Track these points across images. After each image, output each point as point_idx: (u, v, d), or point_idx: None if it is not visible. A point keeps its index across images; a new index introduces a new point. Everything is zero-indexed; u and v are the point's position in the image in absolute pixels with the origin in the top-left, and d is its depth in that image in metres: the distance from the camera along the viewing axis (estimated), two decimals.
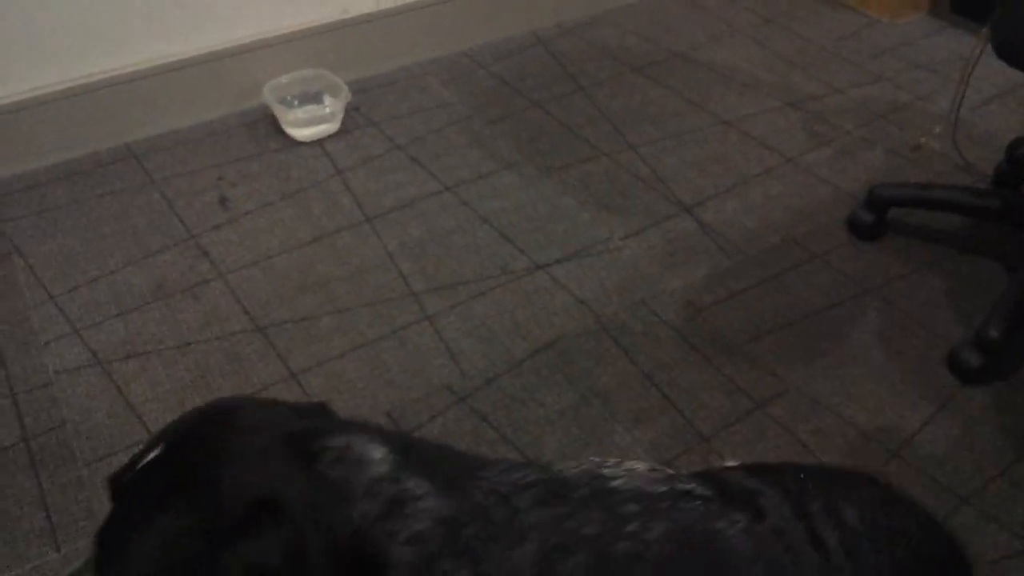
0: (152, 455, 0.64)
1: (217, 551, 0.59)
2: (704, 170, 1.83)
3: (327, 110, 1.90)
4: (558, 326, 1.49)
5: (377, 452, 0.66)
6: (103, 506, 1.21)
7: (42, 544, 1.20)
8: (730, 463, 1.28)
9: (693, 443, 1.31)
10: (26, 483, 1.27)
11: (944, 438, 1.31)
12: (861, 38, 2.29)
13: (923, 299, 1.54)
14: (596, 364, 1.43)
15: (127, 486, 0.64)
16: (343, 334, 1.49)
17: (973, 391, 1.38)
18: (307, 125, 1.88)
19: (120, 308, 1.53)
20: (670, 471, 0.78)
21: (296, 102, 1.91)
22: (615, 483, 0.72)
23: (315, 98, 1.92)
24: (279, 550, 0.59)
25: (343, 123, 1.91)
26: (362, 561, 0.62)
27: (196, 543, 0.59)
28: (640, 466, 0.76)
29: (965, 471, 1.27)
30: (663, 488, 0.73)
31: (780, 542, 0.73)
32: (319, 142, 1.89)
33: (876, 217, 1.66)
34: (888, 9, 2.36)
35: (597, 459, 0.76)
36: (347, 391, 1.40)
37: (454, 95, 2.05)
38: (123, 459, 1.28)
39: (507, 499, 0.67)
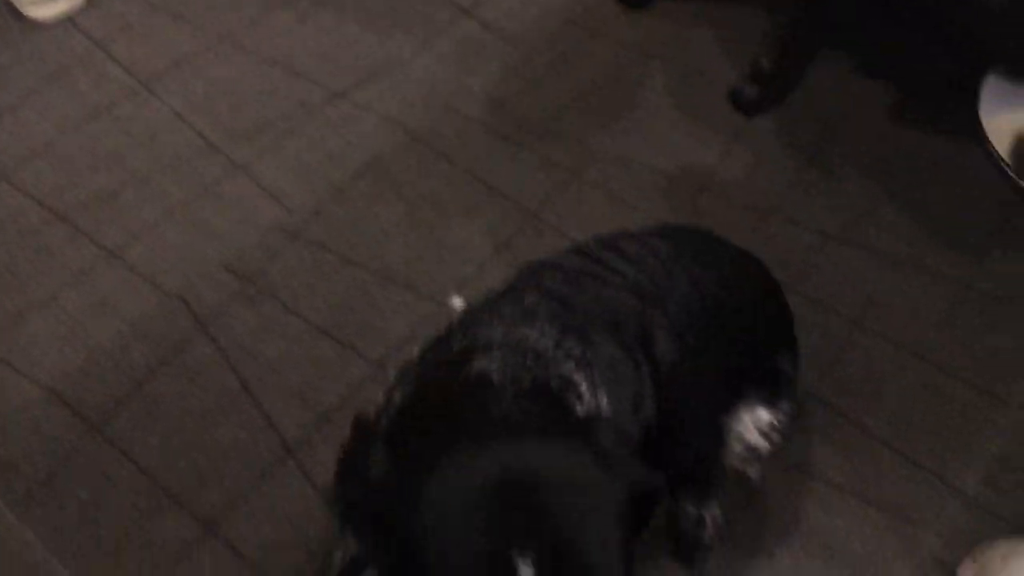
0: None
1: None
2: None
3: None
4: (372, 147, 1.50)
5: None
6: None
7: None
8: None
9: (524, 221, 1.38)
10: None
11: (741, 165, 1.45)
12: None
13: (697, 52, 1.65)
14: (418, 174, 1.45)
15: None
16: (153, 202, 1.43)
17: (757, 120, 1.52)
18: (49, 2, 1.71)
19: None
20: None
21: None
22: None
23: None
24: None
25: None
26: None
27: None
28: None
29: (764, 188, 1.42)
30: None
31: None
32: (68, 20, 1.73)
33: None
34: None
35: None
36: (175, 256, 1.36)
37: None
38: None
39: None
